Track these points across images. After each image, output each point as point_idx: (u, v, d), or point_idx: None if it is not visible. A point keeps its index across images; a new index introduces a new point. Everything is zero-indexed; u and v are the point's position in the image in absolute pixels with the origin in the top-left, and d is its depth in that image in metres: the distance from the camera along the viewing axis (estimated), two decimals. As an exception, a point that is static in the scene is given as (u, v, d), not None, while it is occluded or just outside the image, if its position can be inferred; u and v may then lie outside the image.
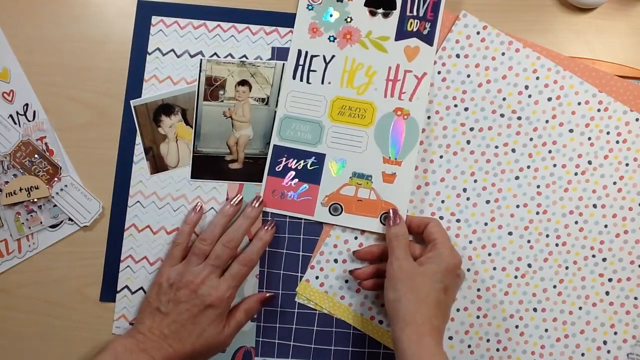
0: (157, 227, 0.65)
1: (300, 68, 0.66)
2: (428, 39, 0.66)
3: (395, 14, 0.66)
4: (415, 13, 0.66)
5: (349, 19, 0.66)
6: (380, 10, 0.66)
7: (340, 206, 0.65)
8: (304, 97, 0.66)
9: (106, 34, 0.67)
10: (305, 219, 0.65)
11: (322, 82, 0.66)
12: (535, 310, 0.65)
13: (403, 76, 0.66)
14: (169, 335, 0.59)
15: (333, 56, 0.66)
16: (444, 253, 0.59)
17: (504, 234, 0.66)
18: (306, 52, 0.66)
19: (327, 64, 0.66)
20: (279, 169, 0.66)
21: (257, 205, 0.64)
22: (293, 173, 0.65)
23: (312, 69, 0.66)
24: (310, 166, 0.65)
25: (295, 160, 0.66)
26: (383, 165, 0.65)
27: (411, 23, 0.66)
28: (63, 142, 0.66)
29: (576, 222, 0.65)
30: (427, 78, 0.66)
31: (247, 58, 0.66)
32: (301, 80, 0.66)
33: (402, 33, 0.66)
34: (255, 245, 0.63)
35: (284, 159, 0.66)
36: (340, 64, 0.66)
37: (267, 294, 0.64)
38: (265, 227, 0.64)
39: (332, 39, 0.66)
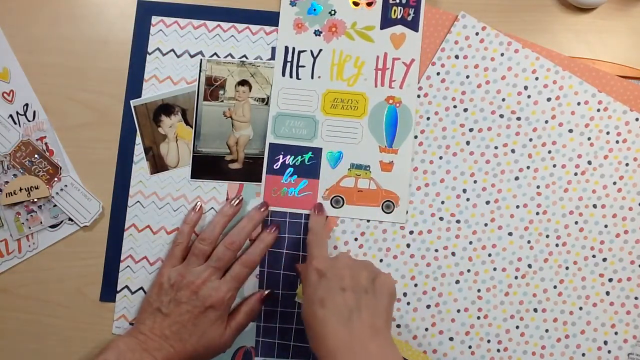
0: (157, 227, 0.65)
1: (288, 65, 0.66)
2: (413, 25, 0.66)
3: (379, 2, 0.67)
4: (397, 0, 0.66)
5: (332, 12, 0.67)
6: (364, 0, 0.66)
7: (342, 198, 0.65)
8: (295, 93, 0.66)
9: (106, 34, 0.67)
10: (307, 214, 0.65)
11: (312, 77, 0.66)
12: (535, 310, 0.65)
13: (392, 64, 0.66)
14: (169, 335, 0.59)
15: (320, 50, 0.66)
16: None
17: (504, 235, 0.65)
18: (293, 48, 0.66)
19: (315, 58, 0.66)
20: (277, 167, 0.66)
21: (263, 210, 0.64)
22: (291, 169, 0.65)
23: (300, 64, 0.66)
24: (307, 161, 0.65)
25: (293, 157, 0.66)
26: (380, 155, 0.66)
27: (395, 10, 0.66)
28: (63, 142, 0.66)
29: (576, 223, 0.65)
30: (416, 64, 0.66)
31: (247, 58, 0.66)
32: (291, 76, 0.66)
33: (386, 21, 0.67)
34: (257, 247, 0.63)
35: (281, 156, 0.66)
36: (328, 57, 0.66)
37: (266, 292, 0.64)
38: (268, 230, 0.64)
39: (317, 33, 0.67)
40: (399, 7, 0.67)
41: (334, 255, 0.59)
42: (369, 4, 0.67)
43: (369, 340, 0.52)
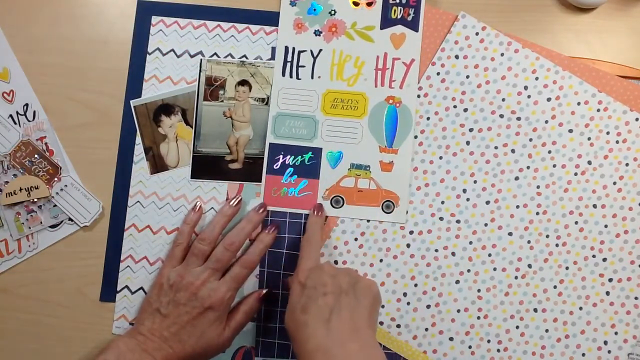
0: (157, 227, 0.65)
1: (288, 65, 0.66)
2: (413, 25, 0.66)
3: (379, 2, 0.67)
4: (397, 0, 0.66)
5: (332, 12, 0.67)
6: (364, 0, 0.66)
7: (342, 198, 0.65)
8: (295, 93, 0.66)
9: (106, 34, 0.67)
10: (307, 215, 0.65)
11: (312, 77, 0.66)
12: (535, 310, 0.65)
13: (392, 64, 0.66)
14: (169, 336, 0.59)
15: (320, 50, 0.66)
16: None
17: (504, 235, 0.65)
18: (293, 48, 0.66)
19: (315, 58, 0.66)
20: (277, 167, 0.66)
21: (261, 211, 0.64)
22: (291, 169, 0.66)
23: (300, 64, 0.66)
24: (307, 161, 0.65)
25: (293, 157, 0.66)
26: (380, 155, 0.66)
27: (395, 10, 0.66)
28: (63, 142, 0.66)
29: (576, 222, 0.65)
30: (416, 64, 0.66)
31: (247, 58, 0.67)
32: (291, 76, 0.66)
33: (386, 21, 0.67)
34: (257, 247, 0.63)
35: (281, 156, 0.66)
36: (328, 57, 0.66)
37: (264, 290, 0.64)
38: (267, 230, 0.64)
39: (317, 33, 0.67)
40: (399, 7, 0.67)
41: (318, 265, 0.59)
42: (369, 4, 0.67)
43: (348, 340, 0.51)
